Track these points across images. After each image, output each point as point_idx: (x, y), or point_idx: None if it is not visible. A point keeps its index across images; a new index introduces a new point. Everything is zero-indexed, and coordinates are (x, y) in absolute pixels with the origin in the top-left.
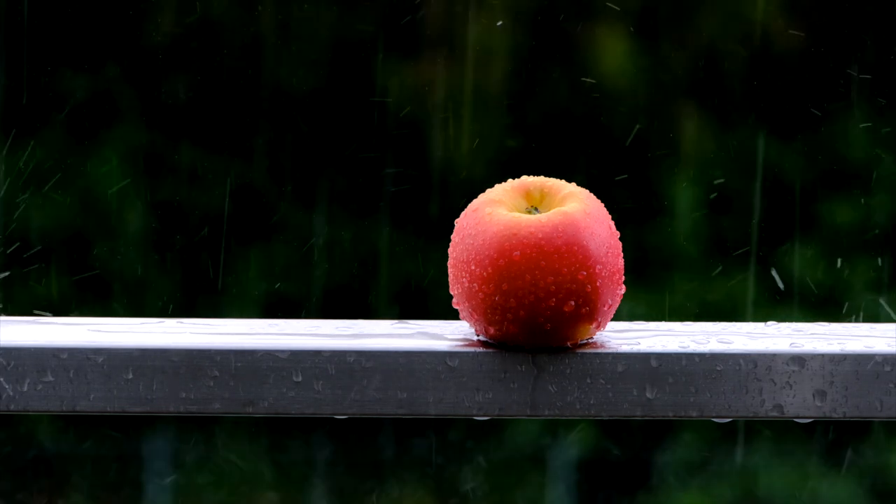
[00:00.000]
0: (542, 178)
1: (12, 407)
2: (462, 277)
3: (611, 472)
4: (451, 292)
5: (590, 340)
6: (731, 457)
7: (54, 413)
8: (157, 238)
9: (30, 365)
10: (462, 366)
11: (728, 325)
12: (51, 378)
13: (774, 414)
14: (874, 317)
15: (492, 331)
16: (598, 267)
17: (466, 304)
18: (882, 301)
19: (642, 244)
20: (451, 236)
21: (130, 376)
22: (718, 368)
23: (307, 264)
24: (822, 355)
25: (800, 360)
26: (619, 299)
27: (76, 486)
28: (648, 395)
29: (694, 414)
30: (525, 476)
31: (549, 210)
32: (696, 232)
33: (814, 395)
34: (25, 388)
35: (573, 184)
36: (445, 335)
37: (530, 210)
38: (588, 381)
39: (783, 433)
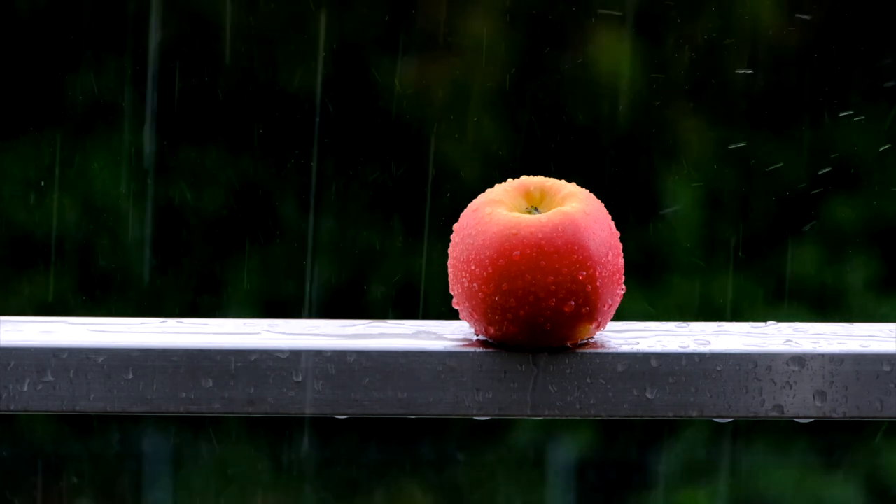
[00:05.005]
0: (542, 178)
1: (12, 407)
2: (462, 277)
3: (611, 472)
4: (451, 292)
5: (590, 340)
6: (731, 457)
7: (54, 413)
8: (157, 238)
9: (30, 365)
10: (462, 366)
11: (728, 325)
12: (51, 378)
13: (774, 414)
14: (874, 317)
15: (492, 331)
16: (599, 267)
17: (466, 304)
18: (882, 301)
19: (642, 244)
20: (451, 236)
21: (130, 376)
22: (718, 368)
23: (307, 264)
24: (822, 355)
25: (800, 360)
26: (619, 299)
27: (76, 486)
28: (648, 395)
29: (694, 414)
30: (525, 476)
31: (549, 210)
32: (695, 231)
33: (814, 395)
34: (25, 388)
35: (573, 184)
36: (445, 335)
37: (530, 210)
38: (588, 381)
39: (783, 433)
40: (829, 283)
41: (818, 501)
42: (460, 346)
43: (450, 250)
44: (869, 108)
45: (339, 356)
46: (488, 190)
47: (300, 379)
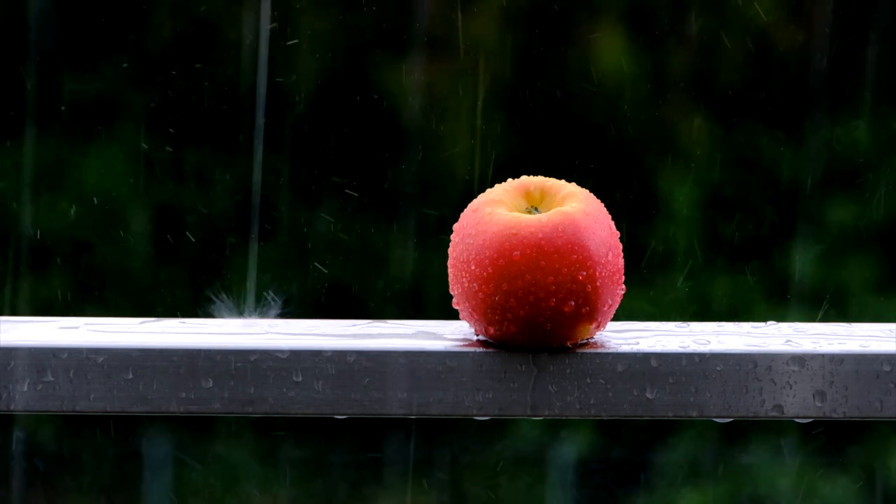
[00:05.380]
0: (541, 178)
1: (12, 407)
2: (462, 277)
3: (611, 472)
4: (451, 292)
5: (590, 340)
6: (731, 457)
7: (54, 413)
8: (157, 238)
9: (30, 365)
10: (462, 366)
11: (728, 325)
12: (51, 378)
13: (774, 414)
14: (874, 317)
15: (492, 331)
16: (599, 267)
17: (466, 304)
18: (882, 301)
19: (642, 244)
20: (451, 236)
21: (130, 376)
22: (718, 368)
23: (307, 264)
24: (822, 355)
25: (800, 360)
26: (619, 299)
27: (76, 486)
28: (648, 395)
29: (694, 414)
30: (525, 476)
31: (548, 210)
32: (695, 231)
33: (814, 395)
34: (25, 388)
35: (573, 184)
36: (445, 335)
37: (530, 210)
38: (588, 381)
39: (783, 433)
40: (829, 283)
41: (818, 501)
42: (460, 346)
43: (450, 250)
44: (870, 107)
45: (339, 356)
46: (488, 190)
47: (300, 379)
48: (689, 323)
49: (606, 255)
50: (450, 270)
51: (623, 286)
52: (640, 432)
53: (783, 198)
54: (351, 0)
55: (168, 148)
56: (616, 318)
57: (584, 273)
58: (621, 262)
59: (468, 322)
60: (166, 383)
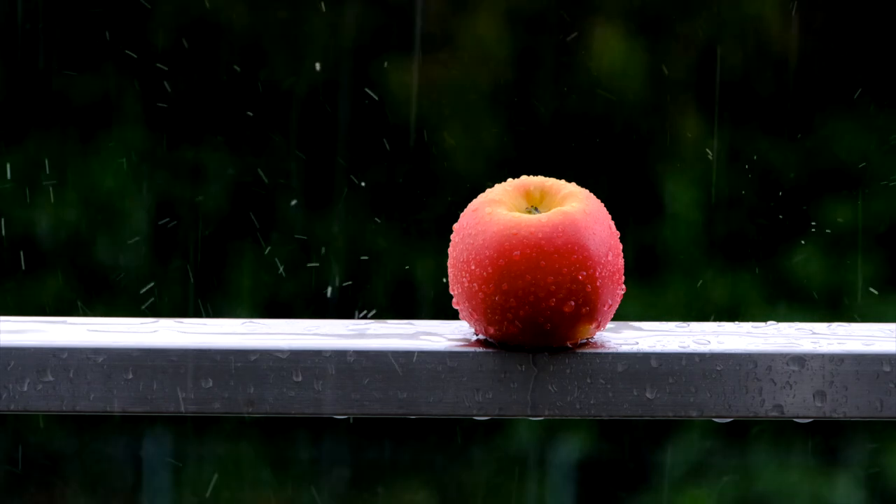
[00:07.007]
0: (541, 177)
1: (12, 407)
2: (462, 277)
3: (611, 472)
4: (451, 292)
5: (590, 340)
6: (731, 457)
7: (54, 413)
8: (157, 238)
9: (30, 365)
10: (462, 366)
11: (728, 325)
12: (51, 378)
13: (774, 414)
14: (874, 317)
15: (492, 331)
16: (599, 267)
17: (466, 304)
18: (882, 301)
19: (642, 244)
20: (451, 236)
21: (130, 376)
22: (718, 368)
23: (307, 263)
24: (822, 355)
25: (800, 360)
26: (619, 299)
27: (76, 486)
28: (648, 395)
29: (694, 414)
30: (525, 476)
31: (549, 210)
32: (695, 231)
33: (814, 395)
34: (25, 388)
35: (573, 184)
36: (445, 335)
37: (530, 210)
38: (588, 381)
39: (783, 433)
40: (829, 283)
41: (818, 501)
42: (460, 346)
43: (450, 250)
44: (870, 108)
45: (339, 356)
46: (488, 190)
47: (300, 379)
48: (689, 323)
49: (606, 255)
50: (450, 270)
51: (623, 286)
52: (640, 432)
53: (783, 198)
54: None
55: (168, 147)
56: (616, 318)
57: (584, 273)
58: (621, 262)
59: (468, 322)
60: (166, 383)
